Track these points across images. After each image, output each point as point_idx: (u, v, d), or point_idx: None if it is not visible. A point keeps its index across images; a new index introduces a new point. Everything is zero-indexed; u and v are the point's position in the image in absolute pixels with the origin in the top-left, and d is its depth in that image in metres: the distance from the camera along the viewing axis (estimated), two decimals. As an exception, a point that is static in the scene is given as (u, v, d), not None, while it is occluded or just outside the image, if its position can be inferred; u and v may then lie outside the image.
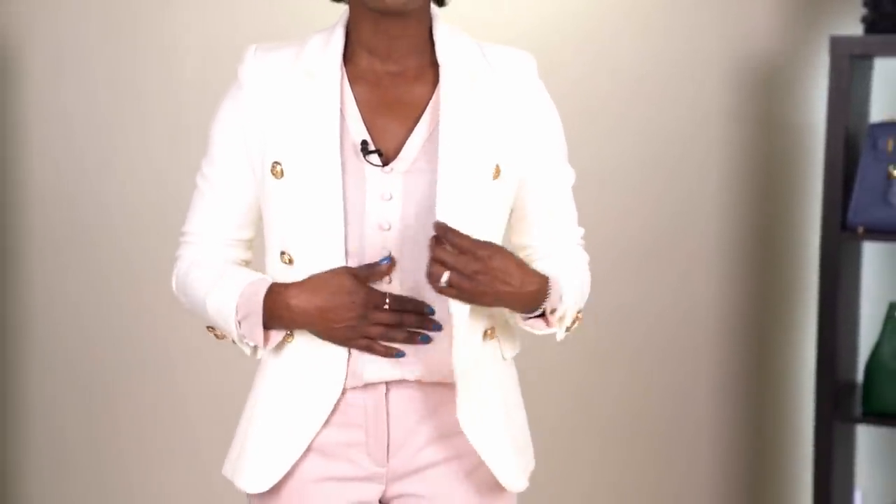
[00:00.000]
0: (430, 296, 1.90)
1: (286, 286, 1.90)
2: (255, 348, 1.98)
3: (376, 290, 1.89)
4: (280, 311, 1.89)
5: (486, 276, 1.80)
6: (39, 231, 3.58)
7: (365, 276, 1.87)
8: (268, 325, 1.91)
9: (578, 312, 2.00)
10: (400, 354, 1.91)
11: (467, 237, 1.80)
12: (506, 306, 1.89)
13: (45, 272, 3.60)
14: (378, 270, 1.88)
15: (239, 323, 1.91)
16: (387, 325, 1.88)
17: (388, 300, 1.88)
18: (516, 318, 1.97)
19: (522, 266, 1.85)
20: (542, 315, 1.92)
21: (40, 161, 3.56)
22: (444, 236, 1.78)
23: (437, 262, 1.78)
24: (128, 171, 3.55)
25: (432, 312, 1.89)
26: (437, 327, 1.89)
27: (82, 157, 3.55)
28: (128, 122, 3.53)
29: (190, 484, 3.63)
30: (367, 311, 1.87)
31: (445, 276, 1.76)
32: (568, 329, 1.98)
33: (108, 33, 3.50)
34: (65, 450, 3.63)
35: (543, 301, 1.89)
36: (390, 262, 1.88)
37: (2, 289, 3.62)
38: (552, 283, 1.91)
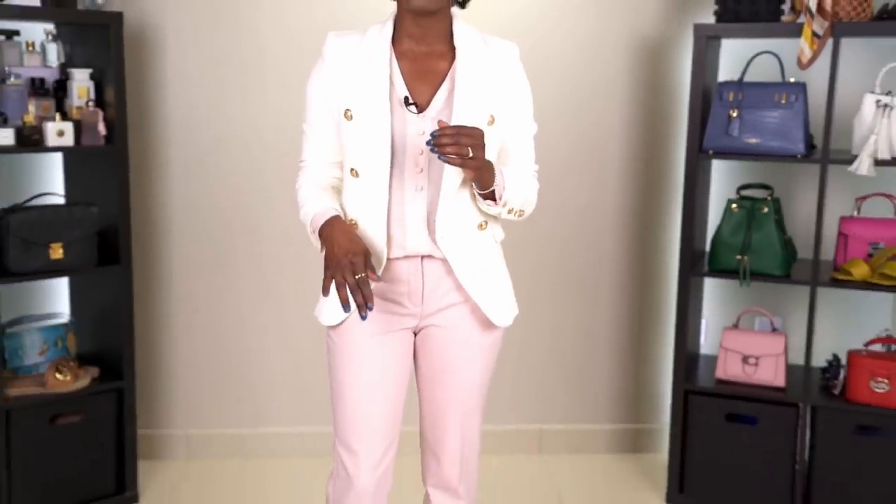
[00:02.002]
0: (443, 189, 2.03)
1: (334, 225, 2.00)
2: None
3: (361, 268, 1.93)
4: (323, 235, 2.00)
5: (479, 142, 1.90)
6: (173, 154, 3.58)
7: (367, 261, 1.95)
8: (322, 235, 2.02)
9: (521, 209, 2.12)
10: (346, 309, 1.94)
11: (464, 126, 1.90)
12: (481, 172, 1.96)
13: (179, 181, 3.60)
14: (372, 275, 1.94)
15: (312, 229, 2.06)
16: (345, 283, 1.91)
17: (358, 277, 1.93)
18: (478, 197, 2.06)
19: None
20: (492, 197, 2.05)
21: (172, 105, 3.56)
22: (446, 130, 1.86)
23: (447, 142, 1.86)
24: (231, 111, 3.56)
25: (370, 309, 1.91)
26: (362, 317, 1.91)
27: (200, 103, 3.56)
28: (230, 80, 3.55)
29: (279, 318, 3.70)
30: (344, 266, 1.91)
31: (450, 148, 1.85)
32: (510, 212, 2.10)
33: (217, 17, 3.51)
34: (195, 297, 3.67)
35: (493, 181, 2.01)
36: (377, 277, 1.95)
37: (151, 195, 3.58)
38: (498, 170, 2.03)
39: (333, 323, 2.12)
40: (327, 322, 2.14)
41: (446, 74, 2.06)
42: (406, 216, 2.07)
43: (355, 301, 1.91)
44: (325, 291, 1.94)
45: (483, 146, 1.92)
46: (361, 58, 2.05)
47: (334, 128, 2.10)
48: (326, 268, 1.96)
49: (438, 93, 2.05)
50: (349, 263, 1.91)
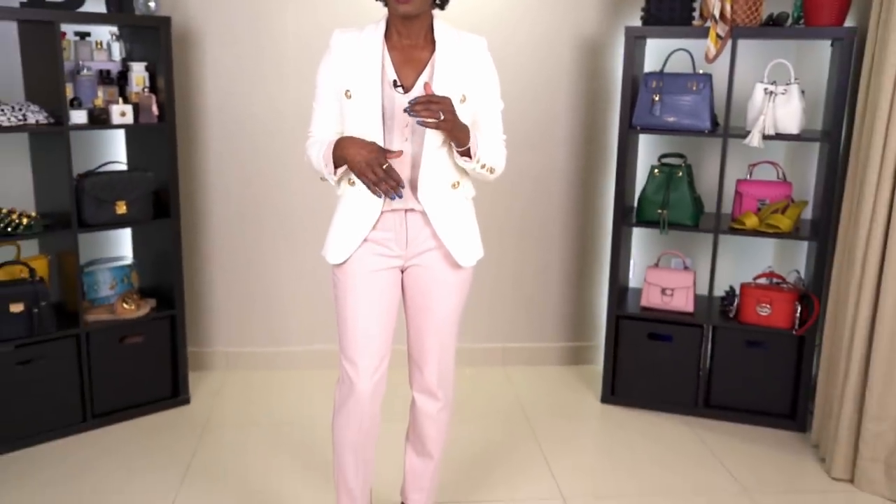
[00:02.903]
0: (424, 156, 2.10)
1: (341, 142, 2.07)
2: (339, 182, 2.16)
3: (384, 159, 2.01)
4: (336, 154, 2.08)
5: (451, 110, 1.98)
6: (211, 130, 3.66)
7: (384, 152, 2.04)
8: (336, 160, 2.08)
9: (492, 166, 2.18)
10: (392, 197, 2.02)
11: (437, 95, 1.98)
12: (456, 132, 2.03)
13: (216, 151, 3.68)
14: (391, 154, 2.05)
15: (325, 161, 2.10)
16: (377, 177, 2.00)
17: (384, 167, 2.00)
18: (455, 154, 2.12)
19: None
20: (468, 154, 2.12)
21: (211, 91, 3.63)
22: (419, 99, 1.95)
23: (420, 109, 1.94)
24: (256, 96, 3.64)
25: (403, 187, 2.01)
26: (399, 195, 2.01)
27: (232, 89, 3.64)
28: (256, 70, 3.63)
29: (295, 258, 3.80)
30: (371, 164, 2.00)
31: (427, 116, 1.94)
32: (483, 167, 2.16)
33: (248, 21, 3.59)
34: (230, 242, 3.78)
35: (468, 140, 2.08)
36: (400, 153, 2.04)
37: (194, 163, 3.64)
38: (472, 132, 2.11)
39: (337, 262, 2.21)
40: (332, 261, 2.22)
41: (427, 62, 2.12)
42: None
43: (388, 186, 2.00)
44: (376, 193, 2.03)
45: (452, 111, 1.99)
46: (360, 49, 2.11)
47: (337, 105, 2.15)
48: (360, 174, 2.02)
49: (421, 77, 2.12)
50: (374, 161, 1.99)
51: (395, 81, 2.09)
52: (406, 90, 2.10)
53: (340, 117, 2.16)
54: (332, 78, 2.13)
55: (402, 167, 2.14)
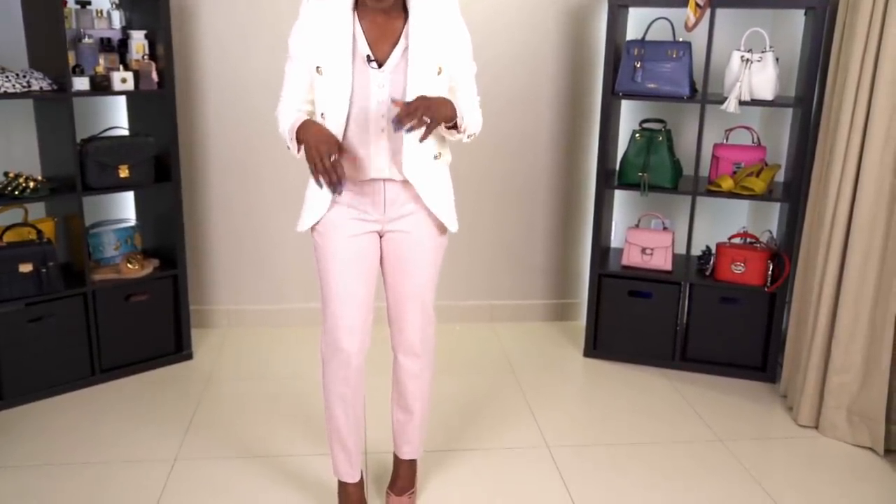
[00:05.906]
0: (398, 135, 2.06)
1: (308, 125, 2.01)
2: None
3: (336, 152, 1.95)
4: (299, 136, 2.01)
5: (430, 106, 1.93)
6: (209, 96, 3.64)
7: (339, 147, 1.99)
8: (298, 138, 2.02)
9: (473, 133, 2.17)
10: (333, 191, 1.94)
11: (412, 102, 1.91)
12: (446, 116, 1.99)
13: (214, 116, 3.66)
14: (344, 153, 2.02)
15: (290, 136, 2.05)
16: (323, 167, 1.92)
17: (332, 160, 1.93)
18: (443, 129, 2.09)
19: (439, 97, 2.00)
20: (455, 127, 2.09)
21: (208, 58, 3.61)
22: (402, 111, 1.89)
23: (407, 120, 1.89)
24: (252, 63, 3.61)
25: (343, 186, 1.93)
26: (339, 192, 1.93)
27: (229, 56, 3.61)
28: (251, 39, 3.60)
29: (293, 218, 3.68)
30: (322, 153, 1.92)
31: (409, 126, 1.89)
32: (469, 137, 2.16)
33: None
34: (229, 204, 3.75)
35: (456, 115, 2.04)
36: (338, 159, 1.95)
37: (194, 127, 3.62)
38: (457, 106, 2.07)
39: (304, 229, 2.20)
40: (300, 228, 2.21)
41: (401, 33, 2.04)
42: (370, 152, 2.10)
43: (331, 180, 1.93)
44: (318, 183, 1.96)
45: (434, 107, 1.94)
46: (330, 20, 2.02)
47: (308, 75, 2.09)
48: (308, 159, 1.95)
49: (395, 50, 2.04)
50: (325, 150, 1.94)
51: (368, 56, 2.02)
52: (380, 65, 2.03)
53: (310, 87, 2.11)
54: (304, 48, 2.06)
55: (381, 140, 2.10)
